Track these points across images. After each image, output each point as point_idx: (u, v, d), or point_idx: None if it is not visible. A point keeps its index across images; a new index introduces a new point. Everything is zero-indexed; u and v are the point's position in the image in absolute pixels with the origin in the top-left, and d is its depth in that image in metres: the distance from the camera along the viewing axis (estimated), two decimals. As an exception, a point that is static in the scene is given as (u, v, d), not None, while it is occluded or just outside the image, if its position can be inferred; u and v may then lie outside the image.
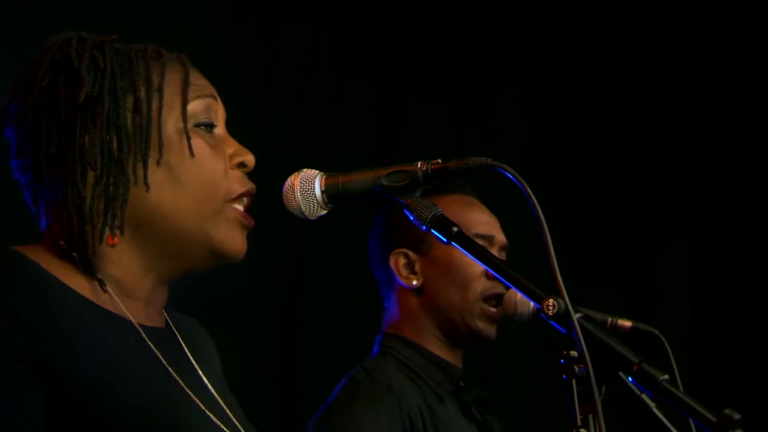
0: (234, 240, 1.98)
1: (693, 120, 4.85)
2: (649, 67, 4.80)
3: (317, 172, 2.02)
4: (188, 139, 1.96)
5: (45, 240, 1.95)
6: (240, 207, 2.00)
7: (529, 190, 1.87)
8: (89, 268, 1.92)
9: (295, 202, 2.01)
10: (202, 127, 1.99)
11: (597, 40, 4.77)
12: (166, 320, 2.04)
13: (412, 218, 1.96)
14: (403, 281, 3.20)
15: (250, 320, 3.98)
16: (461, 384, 3.18)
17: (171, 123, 1.97)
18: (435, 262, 3.17)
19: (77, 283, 1.91)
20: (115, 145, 1.93)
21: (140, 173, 1.94)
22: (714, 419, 1.77)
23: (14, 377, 1.80)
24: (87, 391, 1.81)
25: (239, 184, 2.00)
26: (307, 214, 2.02)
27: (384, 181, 1.98)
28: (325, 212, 2.02)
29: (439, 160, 1.97)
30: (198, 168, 1.96)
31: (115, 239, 1.93)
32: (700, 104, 4.85)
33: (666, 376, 1.82)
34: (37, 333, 1.82)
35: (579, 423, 1.78)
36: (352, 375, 3.12)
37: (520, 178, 1.87)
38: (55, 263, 1.91)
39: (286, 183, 2.02)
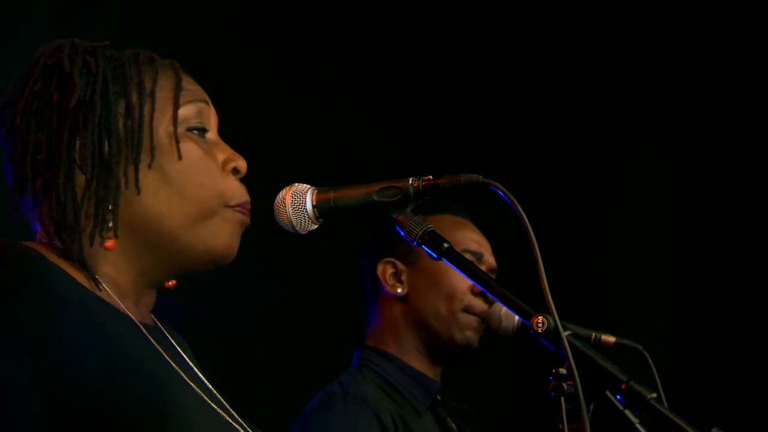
0: (226, 239, 1.98)
1: (675, 134, 4.87)
2: (623, 76, 4.82)
3: (308, 186, 2.03)
4: (177, 142, 1.96)
5: (39, 242, 1.95)
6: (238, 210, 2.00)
7: (519, 208, 1.87)
8: (85, 267, 1.92)
9: (286, 216, 2.02)
10: (195, 132, 2.00)
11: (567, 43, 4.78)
12: (155, 321, 2.05)
13: (402, 234, 1.97)
14: (388, 289, 3.20)
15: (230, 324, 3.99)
16: (438, 398, 3.18)
17: (163, 127, 1.97)
18: (422, 273, 3.18)
19: (79, 278, 1.91)
20: (106, 149, 1.94)
21: (131, 176, 1.94)
22: (702, 438, 1.79)
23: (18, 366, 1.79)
24: (95, 380, 1.80)
25: (237, 194, 1.99)
26: (298, 228, 2.02)
27: (375, 197, 1.98)
28: (316, 227, 2.03)
29: (431, 176, 1.97)
30: (190, 170, 1.96)
31: (111, 242, 1.94)
32: (672, 108, 4.87)
33: (654, 395, 1.83)
34: (45, 327, 1.81)
35: (567, 440, 1.79)
36: (326, 389, 3.12)
37: (511, 196, 1.88)
38: (57, 259, 1.91)
39: (278, 197, 2.03)
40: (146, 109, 1.96)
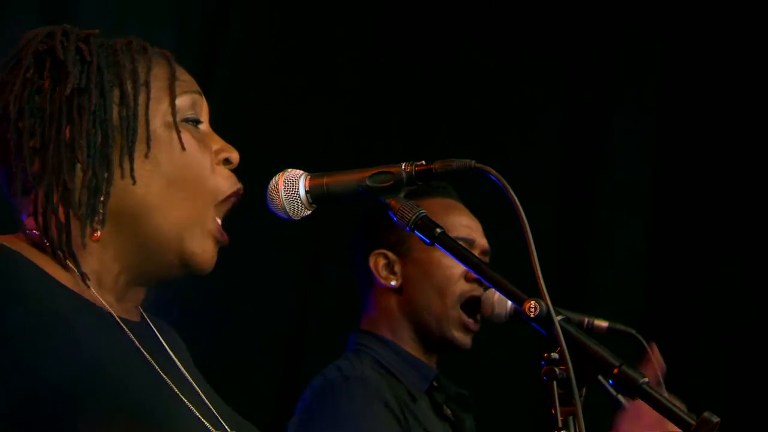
0: (204, 252, 1.98)
1: (657, 118, 4.87)
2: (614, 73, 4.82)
3: (302, 172, 2.03)
4: (178, 132, 1.96)
5: (23, 232, 1.94)
6: (219, 220, 1.99)
7: (512, 193, 1.88)
8: (72, 261, 1.91)
9: (279, 202, 2.02)
10: (190, 123, 2.00)
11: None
12: (143, 316, 2.04)
13: (395, 219, 1.97)
14: (382, 281, 3.21)
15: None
16: (435, 384, 3.19)
17: (158, 117, 1.97)
18: (415, 263, 3.19)
19: (58, 273, 1.90)
20: (100, 138, 1.93)
21: (126, 166, 1.93)
22: (693, 422, 1.79)
23: None
24: (56, 379, 1.78)
25: (228, 183, 2.00)
26: (291, 214, 2.02)
27: (368, 182, 1.99)
28: (309, 212, 2.03)
29: (423, 162, 1.98)
30: (186, 162, 1.97)
31: (98, 234, 1.93)
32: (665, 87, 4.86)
33: (646, 379, 1.83)
34: (5, 325, 1.80)
35: (559, 424, 1.79)
36: (324, 374, 3.12)
37: (504, 181, 1.89)
38: (36, 254, 1.90)
39: (271, 183, 2.03)
40: (141, 98, 1.96)
